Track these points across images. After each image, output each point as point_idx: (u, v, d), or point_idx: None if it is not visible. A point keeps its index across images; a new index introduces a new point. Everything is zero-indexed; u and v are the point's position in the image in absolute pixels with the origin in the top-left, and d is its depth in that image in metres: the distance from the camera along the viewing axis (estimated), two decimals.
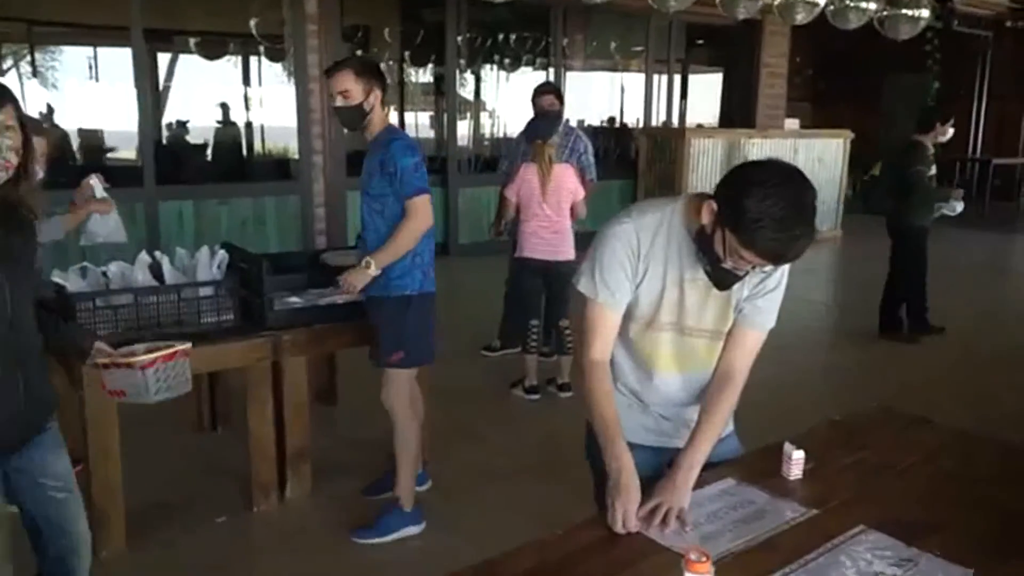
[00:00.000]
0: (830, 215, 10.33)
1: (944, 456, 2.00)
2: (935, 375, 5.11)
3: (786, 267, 1.77)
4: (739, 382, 1.83)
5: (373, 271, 2.87)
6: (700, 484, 1.80)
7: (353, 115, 2.87)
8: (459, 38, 8.89)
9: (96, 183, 3.29)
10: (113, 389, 2.24)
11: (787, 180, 1.55)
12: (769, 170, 1.57)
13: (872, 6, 7.49)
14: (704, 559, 1.30)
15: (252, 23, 9.89)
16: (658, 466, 1.83)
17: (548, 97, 4.69)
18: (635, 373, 1.90)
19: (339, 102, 2.86)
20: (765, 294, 1.80)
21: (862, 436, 2.08)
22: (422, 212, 2.87)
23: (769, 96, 10.92)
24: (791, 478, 1.84)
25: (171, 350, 2.23)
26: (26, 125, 1.72)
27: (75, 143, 9.31)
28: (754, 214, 1.51)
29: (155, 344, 2.29)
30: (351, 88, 2.83)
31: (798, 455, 1.85)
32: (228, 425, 3.92)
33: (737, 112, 11.12)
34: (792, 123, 10.76)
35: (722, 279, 1.68)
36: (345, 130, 3.01)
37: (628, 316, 1.82)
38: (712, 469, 1.89)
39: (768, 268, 1.65)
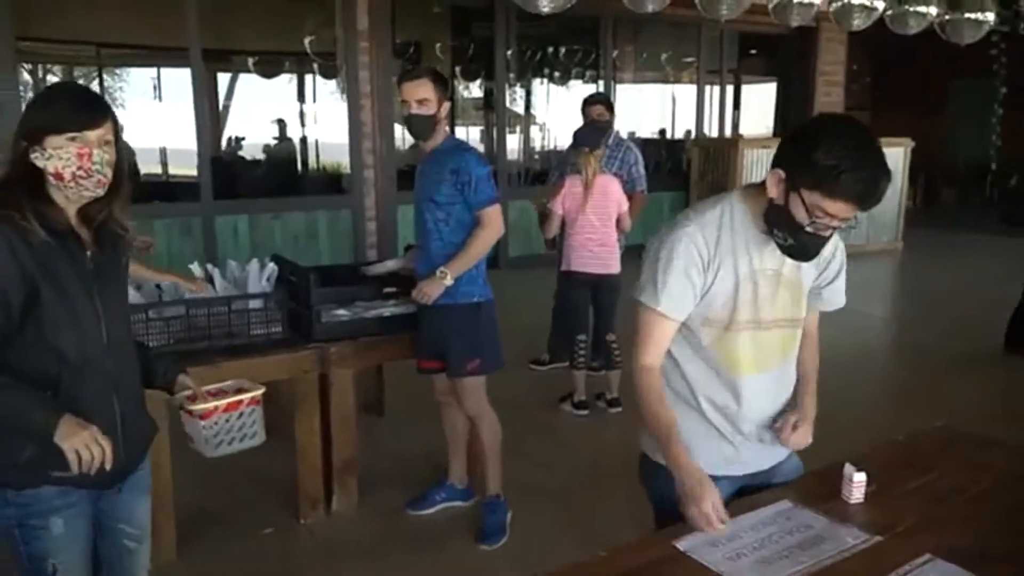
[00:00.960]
0: (890, 227, 10.03)
1: (1019, 481, 1.88)
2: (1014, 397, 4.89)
3: (843, 258, 1.83)
4: (815, 339, 1.93)
5: (448, 281, 2.89)
6: (754, 506, 1.74)
7: (426, 124, 2.88)
8: (508, 52, 8.91)
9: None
10: (187, 432, 2.05)
11: (845, 124, 1.59)
12: (823, 122, 1.63)
13: (933, 10, 7.25)
14: None
15: (306, 41, 10.07)
16: (730, 496, 1.79)
17: (598, 107, 4.65)
18: (720, 386, 1.80)
19: (415, 109, 2.86)
20: (828, 283, 1.85)
21: (928, 458, 1.97)
22: (496, 221, 2.93)
23: (825, 105, 10.68)
24: (852, 502, 1.75)
25: (234, 398, 1.99)
26: (120, 140, 1.69)
27: (139, 159, 9.59)
28: (830, 161, 1.51)
29: (245, 384, 2.10)
30: (429, 97, 2.86)
31: (859, 477, 1.75)
32: (278, 436, 3.92)
33: (792, 122, 10.90)
34: None
35: (805, 246, 1.64)
36: (414, 140, 3.02)
37: (702, 323, 1.75)
38: (768, 491, 1.82)
39: (851, 221, 1.59)
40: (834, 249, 1.82)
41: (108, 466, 1.59)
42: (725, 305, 1.73)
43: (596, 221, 4.21)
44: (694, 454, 1.72)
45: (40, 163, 1.57)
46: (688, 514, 1.60)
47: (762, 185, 1.66)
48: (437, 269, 2.91)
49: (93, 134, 1.59)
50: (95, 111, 1.62)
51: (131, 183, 1.75)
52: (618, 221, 4.31)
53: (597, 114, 4.63)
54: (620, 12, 6.45)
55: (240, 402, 1.99)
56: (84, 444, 1.56)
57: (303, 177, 10.49)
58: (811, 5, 6.75)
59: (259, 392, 2.04)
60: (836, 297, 1.88)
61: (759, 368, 1.79)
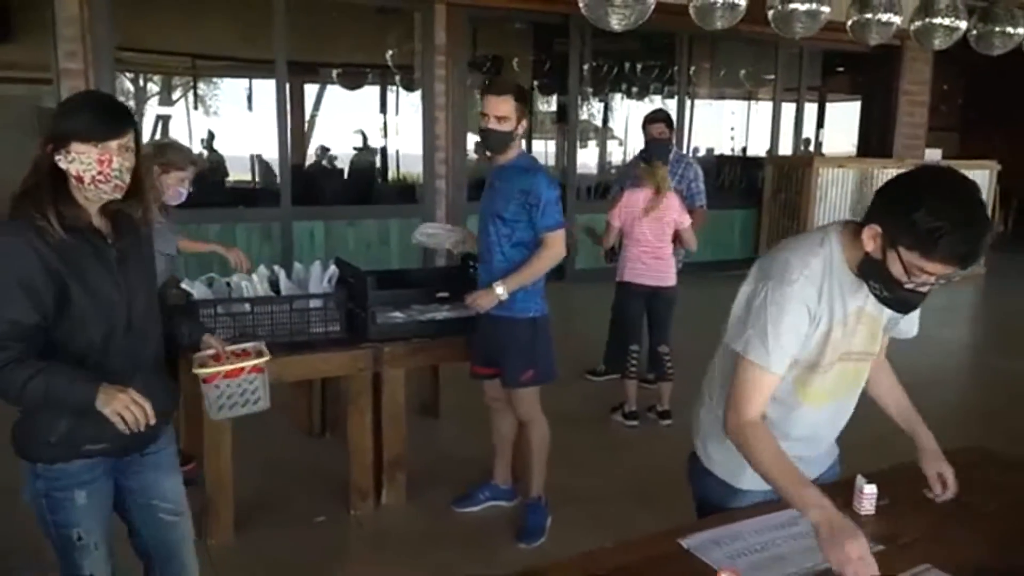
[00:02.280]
0: None
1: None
2: None
3: None
4: (888, 366, 1.99)
5: (503, 295, 2.99)
6: (760, 512, 1.79)
7: (503, 140, 2.93)
8: (584, 67, 9.01)
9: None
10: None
11: (946, 181, 1.53)
12: (922, 179, 1.55)
13: (1021, 30, 7.04)
14: (734, 571, 1.29)
15: (388, 55, 10.41)
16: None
17: (659, 125, 4.70)
18: (782, 411, 1.80)
19: (493, 124, 2.90)
20: (905, 314, 1.77)
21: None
22: (558, 245, 3.00)
23: (908, 125, 10.42)
24: (862, 513, 1.79)
25: (234, 366, 2.06)
26: (140, 146, 1.80)
27: (229, 167, 10.09)
28: (930, 224, 1.47)
29: (264, 348, 2.20)
30: (510, 115, 2.90)
31: (870, 489, 1.79)
32: (337, 431, 4.12)
33: (875, 142, 10.67)
34: (934, 153, 10.22)
35: (904, 300, 1.62)
36: (487, 153, 3.07)
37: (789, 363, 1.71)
38: (776, 501, 1.87)
39: (953, 277, 1.55)
40: None
41: (152, 421, 1.72)
42: (816, 349, 1.72)
43: (651, 235, 4.28)
44: (739, 468, 1.78)
45: (63, 165, 1.69)
46: (833, 559, 1.45)
47: (859, 227, 1.62)
48: (495, 282, 2.99)
49: (115, 143, 1.70)
50: (119, 122, 1.73)
51: (223, 189, 1.93)
52: (680, 237, 4.36)
53: (658, 132, 4.69)
54: (695, 29, 6.48)
55: (242, 369, 2.05)
56: (125, 406, 1.69)
57: (379, 186, 10.82)
58: (890, 24, 6.65)
59: (260, 361, 2.10)
60: (911, 327, 1.87)
61: (829, 399, 1.81)
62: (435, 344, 3.38)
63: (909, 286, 1.57)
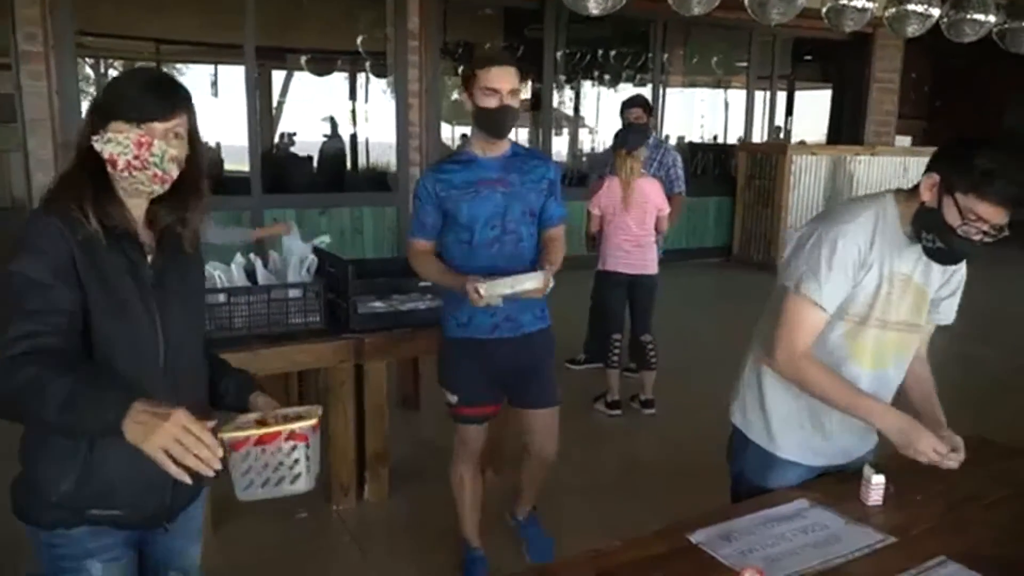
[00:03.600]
0: None
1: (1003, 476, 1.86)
2: None
3: (964, 274, 1.88)
4: (926, 363, 2.01)
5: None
6: (769, 504, 1.75)
7: (515, 118, 2.44)
8: (558, 54, 8.93)
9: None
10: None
11: (1006, 136, 1.65)
12: (977, 137, 1.68)
13: (991, 18, 7.09)
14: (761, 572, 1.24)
15: (359, 40, 10.23)
16: (807, 479, 1.89)
17: (636, 110, 4.67)
18: (826, 361, 1.83)
19: (508, 100, 2.39)
20: (947, 296, 1.89)
21: None
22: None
23: (879, 112, 10.50)
24: (869, 503, 1.75)
25: (268, 429, 1.52)
26: (197, 139, 1.50)
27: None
28: (988, 165, 1.58)
29: (313, 411, 1.59)
30: (518, 87, 2.43)
31: (878, 479, 1.75)
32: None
33: (846, 129, 10.74)
34: (903, 140, 10.31)
35: (954, 249, 1.69)
36: (490, 137, 2.47)
37: (838, 316, 1.79)
38: (786, 490, 1.83)
39: (1004, 229, 1.64)
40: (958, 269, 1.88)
41: (216, 466, 1.25)
42: (866, 303, 1.78)
43: (632, 223, 4.23)
44: (782, 439, 1.88)
45: (98, 146, 1.40)
46: (911, 454, 1.69)
47: (912, 191, 1.73)
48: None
49: (160, 125, 1.42)
50: (166, 101, 1.44)
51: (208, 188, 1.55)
52: (658, 223, 4.33)
53: (635, 117, 4.66)
54: (669, 15, 6.43)
55: (277, 434, 1.51)
56: (174, 439, 1.21)
57: (351, 174, 10.67)
58: (865, 10, 6.66)
59: (302, 425, 1.52)
60: (949, 311, 1.92)
61: (875, 365, 1.85)
62: (417, 335, 3.29)
63: (961, 232, 1.64)
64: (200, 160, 1.51)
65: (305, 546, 3.07)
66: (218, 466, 1.25)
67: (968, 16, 7.05)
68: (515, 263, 2.47)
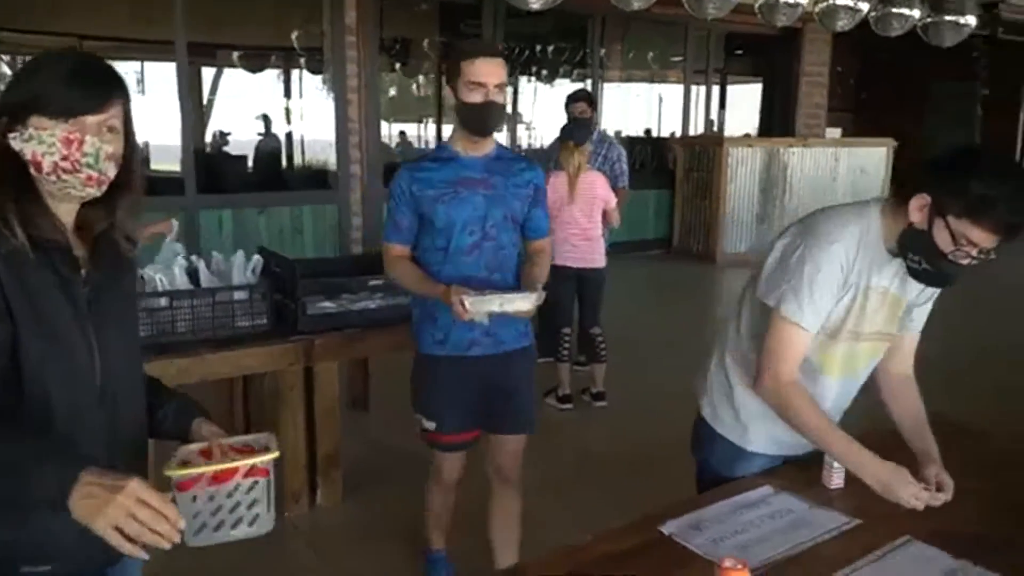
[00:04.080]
0: None
1: (1003, 470, 1.91)
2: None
3: None
4: (914, 382, 1.95)
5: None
6: (735, 492, 1.76)
7: (500, 115, 2.26)
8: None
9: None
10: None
11: (1000, 156, 1.68)
12: (975, 151, 1.68)
13: (916, 13, 7.35)
14: (740, 567, 1.24)
15: (293, 36, 10.03)
16: (771, 470, 1.89)
17: (580, 104, 4.70)
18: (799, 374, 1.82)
19: (494, 95, 2.20)
20: (925, 300, 1.86)
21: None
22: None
23: (809, 105, 10.76)
24: (832, 487, 1.78)
25: (223, 466, 1.35)
26: (132, 130, 1.31)
27: None
28: (984, 191, 1.53)
29: (263, 440, 1.44)
30: (506, 80, 2.24)
31: (839, 464, 1.78)
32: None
33: (777, 122, 10.98)
34: (834, 132, 10.59)
35: (943, 273, 1.65)
36: (474, 135, 2.28)
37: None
38: (751, 477, 1.85)
39: (991, 252, 1.59)
40: None
41: (175, 538, 1.10)
42: (839, 316, 1.75)
43: (580, 216, 4.25)
44: (753, 433, 1.88)
45: (16, 146, 1.20)
46: (897, 500, 1.66)
47: (898, 204, 1.66)
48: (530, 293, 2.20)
49: (92, 119, 1.22)
50: (98, 88, 1.25)
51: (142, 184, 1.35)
52: (605, 216, 4.35)
53: (579, 111, 4.68)
54: (608, 10, 6.48)
55: (234, 471, 1.34)
56: (127, 515, 1.06)
57: (288, 172, 10.47)
58: (797, 5, 6.83)
59: (262, 459, 1.37)
60: (921, 319, 1.91)
61: (844, 373, 1.85)
62: (368, 334, 3.24)
63: (951, 257, 1.59)
64: (135, 155, 1.32)
65: (258, 556, 2.98)
66: (177, 539, 1.09)
67: (895, 11, 7.29)
68: (495, 272, 2.32)
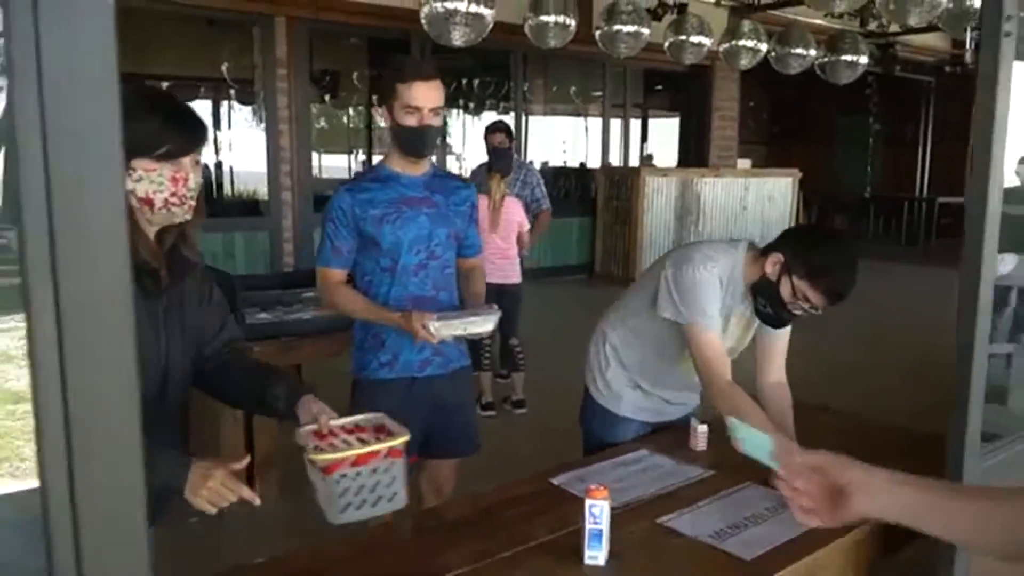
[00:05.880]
0: None
1: (834, 434, 2.29)
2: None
3: None
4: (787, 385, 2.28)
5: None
6: (616, 454, 2.10)
7: (435, 138, 2.27)
8: None
9: None
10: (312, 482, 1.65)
11: (839, 239, 2.07)
12: (821, 231, 2.14)
13: (812, 52, 7.97)
14: (602, 488, 1.57)
15: (224, 67, 10.22)
16: (646, 433, 2.28)
17: (499, 135, 5.02)
18: (657, 367, 2.25)
19: (429, 119, 2.19)
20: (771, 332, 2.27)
21: None
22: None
23: (721, 138, 11.43)
24: (697, 449, 2.14)
25: (366, 449, 1.51)
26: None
27: None
28: (823, 263, 1.94)
29: (387, 421, 1.65)
30: (442, 104, 2.25)
31: (703, 428, 2.15)
32: (198, 433, 4.11)
33: (693, 153, 11.62)
34: (744, 163, 11.28)
35: (779, 317, 2.07)
36: (410, 156, 2.28)
37: (676, 325, 2.09)
38: (628, 443, 2.20)
39: (819, 310, 1.99)
40: None
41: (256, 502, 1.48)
42: None
43: (500, 239, 4.60)
44: (621, 400, 2.29)
45: (128, 186, 1.34)
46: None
47: (761, 253, 2.09)
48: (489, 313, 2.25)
49: (189, 158, 1.40)
50: (194, 132, 1.42)
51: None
52: (520, 238, 4.71)
53: (498, 141, 4.99)
54: (528, 47, 6.89)
55: (376, 454, 1.51)
56: (217, 495, 1.43)
57: (219, 201, 10.57)
58: (702, 45, 7.37)
59: (400, 441, 1.56)
60: (784, 337, 2.27)
61: (686, 371, 2.21)
62: (303, 343, 3.50)
63: (789, 307, 2.01)
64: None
65: (199, 552, 3.19)
66: (257, 502, 1.48)
67: (792, 50, 7.92)
68: (442, 291, 2.33)
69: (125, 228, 0.55)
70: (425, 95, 2.17)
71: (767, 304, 2.05)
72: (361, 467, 1.50)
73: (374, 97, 11.66)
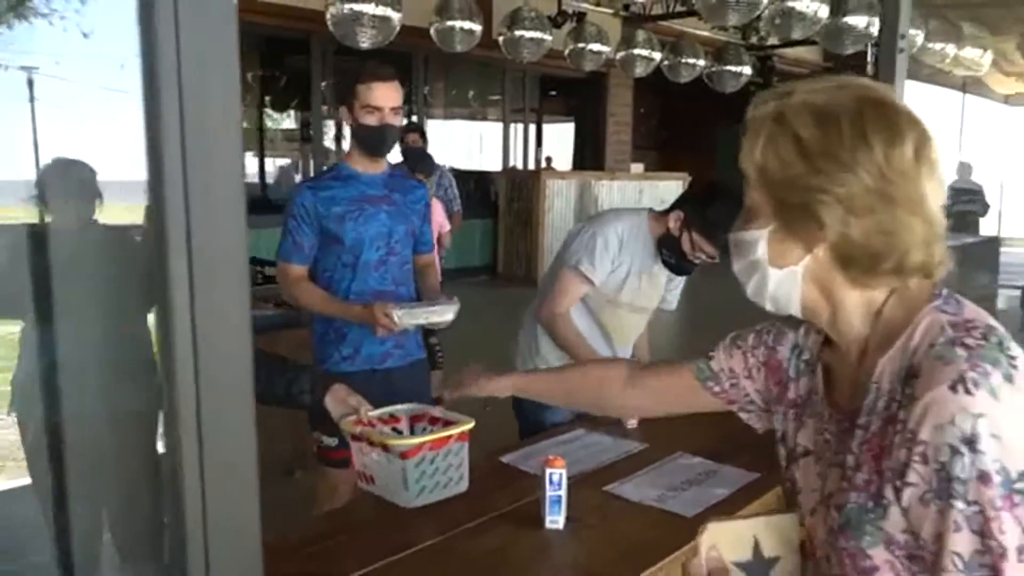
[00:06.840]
0: None
1: None
2: None
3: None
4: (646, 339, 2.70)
5: None
6: (556, 434, 2.24)
7: (395, 137, 2.36)
8: (323, 84, 9.21)
9: None
10: (360, 470, 1.74)
11: (731, 195, 2.23)
12: (718, 189, 2.32)
13: (701, 62, 8.42)
14: (559, 458, 1.71)
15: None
16: (582, 415, 2.37)
17: (412, 135, 5.14)
18: (587, 328, 2.44)
19: (390, 118, 2.29)
20: (676, 286, 2.66)
21: None
22: None
23: (616, 143, 11.84)
24: (629, 426, 2.31)
25: (444, 433, 1.64)
26: None
27: None
28: (716, 219, 2.18)
29: (423, 409, 1.80)
30: (400, 105, 2.35)
31: None
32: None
33: (589, 157, 11.98)
34: (637, 167, 11.74)
35: (683, 266, 2.39)
36: (371, 156, 2.37)
37: (596, 293, 2.40)
38: (568, 423, 2.35)
39: (716, 259, 2.23)
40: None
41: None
42: (616, 287, 2.41)
43: None
44: None
45: None
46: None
47: (663, 215, 2.36)
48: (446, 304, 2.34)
49: None
50: None
51: None
52: (441, 239, 4.80)
53: (412, 141, 5.10)
54: (431, 50, 6.98)
55: (448, 438, 1.63)
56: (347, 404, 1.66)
57: None
58: (600, 53, 7.67)
59: (468, 426, 1.70)
60: (673, 301, 2.68)
61: (626, 341, 2.56)
62: (263, 339, 3.50)
63: (689, 257, 2.32)
64: None
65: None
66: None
67: (683, 60, 8.34)
68: (401, 286, 2.41)
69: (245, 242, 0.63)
70: (385, 95, 2.26)
71: (671, 256, 2.35)
72: (437, 451, 1.62)
73: (267, 98, 11.44)
